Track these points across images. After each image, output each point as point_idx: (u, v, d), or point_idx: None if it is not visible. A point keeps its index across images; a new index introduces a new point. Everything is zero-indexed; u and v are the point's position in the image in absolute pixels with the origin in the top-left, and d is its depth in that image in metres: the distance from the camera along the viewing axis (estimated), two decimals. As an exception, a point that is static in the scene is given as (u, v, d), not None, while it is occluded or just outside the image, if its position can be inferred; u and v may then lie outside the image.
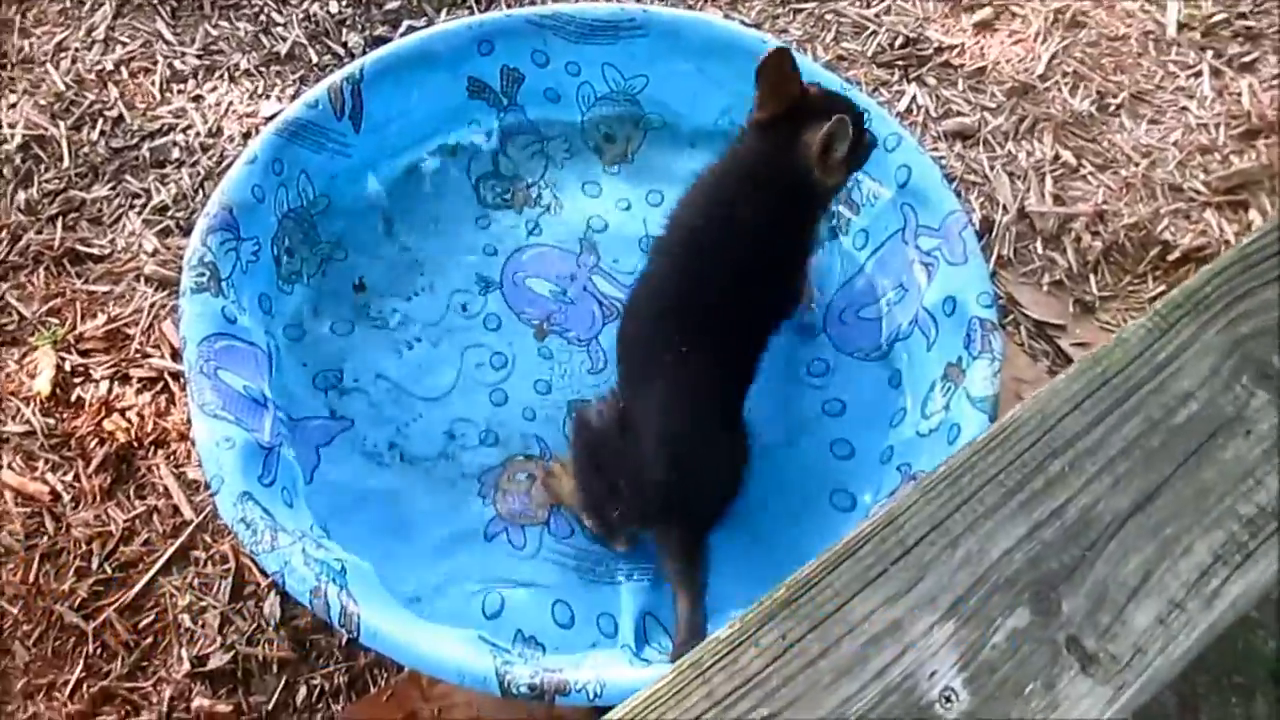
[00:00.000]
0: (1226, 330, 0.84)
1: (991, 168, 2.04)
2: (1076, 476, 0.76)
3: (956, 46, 2.18)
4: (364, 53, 2.01)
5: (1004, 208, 1.99)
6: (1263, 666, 1.60)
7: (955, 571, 0.72)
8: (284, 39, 2.13)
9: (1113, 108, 2.15)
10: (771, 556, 1.64)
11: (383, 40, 2.09)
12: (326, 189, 1.88)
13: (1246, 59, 2.25)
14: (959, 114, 2.10)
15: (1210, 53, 2.25)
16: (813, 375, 1.82)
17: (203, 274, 1.64)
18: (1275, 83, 2.22)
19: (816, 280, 1.89)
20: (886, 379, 1.81)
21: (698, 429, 1.49)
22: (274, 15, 2.16)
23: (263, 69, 2.10)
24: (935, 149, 2.06)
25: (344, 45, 2.13)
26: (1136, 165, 2.07)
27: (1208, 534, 0.76)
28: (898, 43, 2.18)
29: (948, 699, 0.68)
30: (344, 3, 2.18)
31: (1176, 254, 1.96)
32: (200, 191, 1.97)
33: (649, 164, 2.01)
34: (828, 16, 2.20)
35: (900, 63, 2.15)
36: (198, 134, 2.02)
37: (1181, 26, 2.29)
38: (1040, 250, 1.97)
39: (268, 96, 2.07)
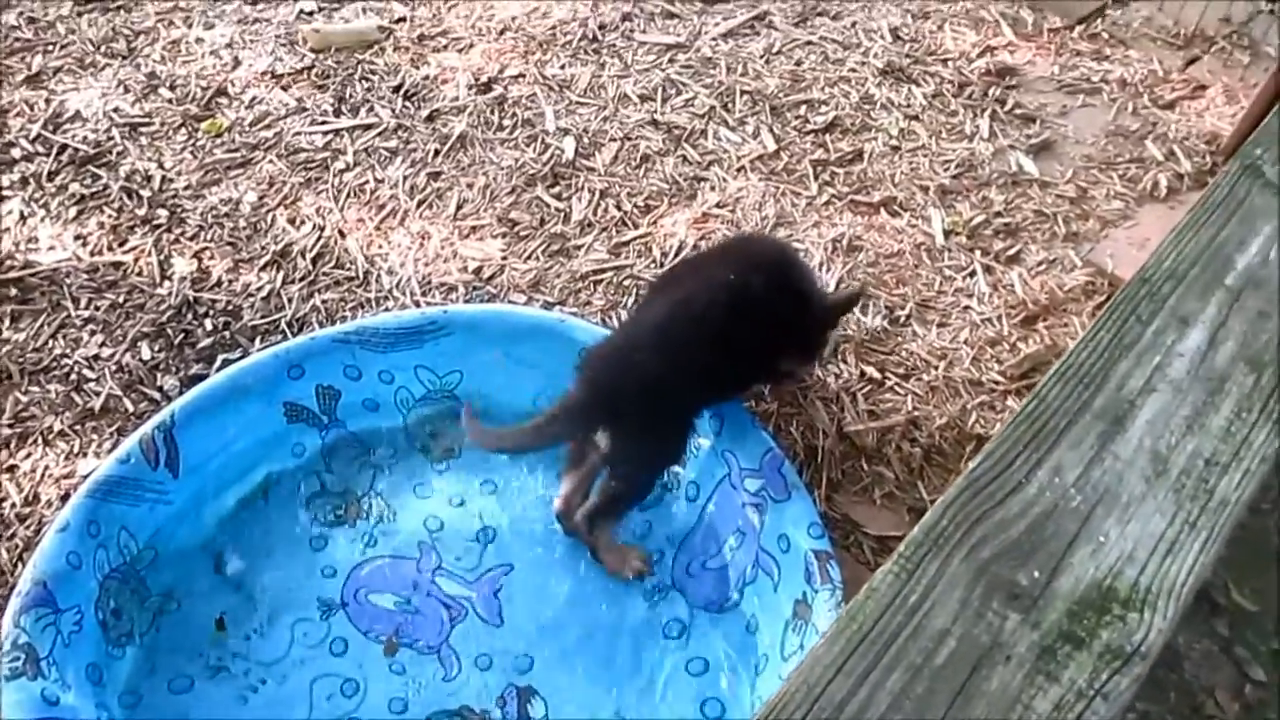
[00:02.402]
0: (969, 559, 0.87)
1: (805, 396, 2.13)
2: (850, 744, 0.76)
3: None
4: (180, 394, 2.02)
5: (824, 432, 2.06)
6: None
7: None
8: (97, 394, 2.12)
9: (903, 319, 2.29)
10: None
11: (199, 378, 2.10)
12: (151, 541, 1.84)
13: (1011, 252, 2.45)
14: (764, 350, 2.20)
15: (978, 253, 2.43)
16: (669, 637, 1.81)
17: (17, 658, 1.57)
18: (1040, 269, 2.41)
19: (662, 538, 1.91)
20: (743, 627, 1.80)
21: (652, 376, 1.74)
22: (85, 372, 2.16)
23: (77, 427, 2.08)
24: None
25: (160, 389, 2.14)
26: (936, 368, 2.19)
27: (986, 777, 0.76)
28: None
29: None
30: (156, 348, 2.20)
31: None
32: (20, 563, 1.89)
33: (478, 455, 2.03)
34: (626, 283, 2.32)
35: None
36: (13, 505, 1.96)
37: (948, 234, 2.48)
38: (866, 466, 2.03)
39: (84, 454, 2.04)
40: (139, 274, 2.33)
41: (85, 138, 2.63)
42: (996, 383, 2.17)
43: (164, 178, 2.54)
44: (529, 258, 2.38)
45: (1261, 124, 1.43)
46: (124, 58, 2.87)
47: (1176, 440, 1.00)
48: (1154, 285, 1.15)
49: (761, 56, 2.94)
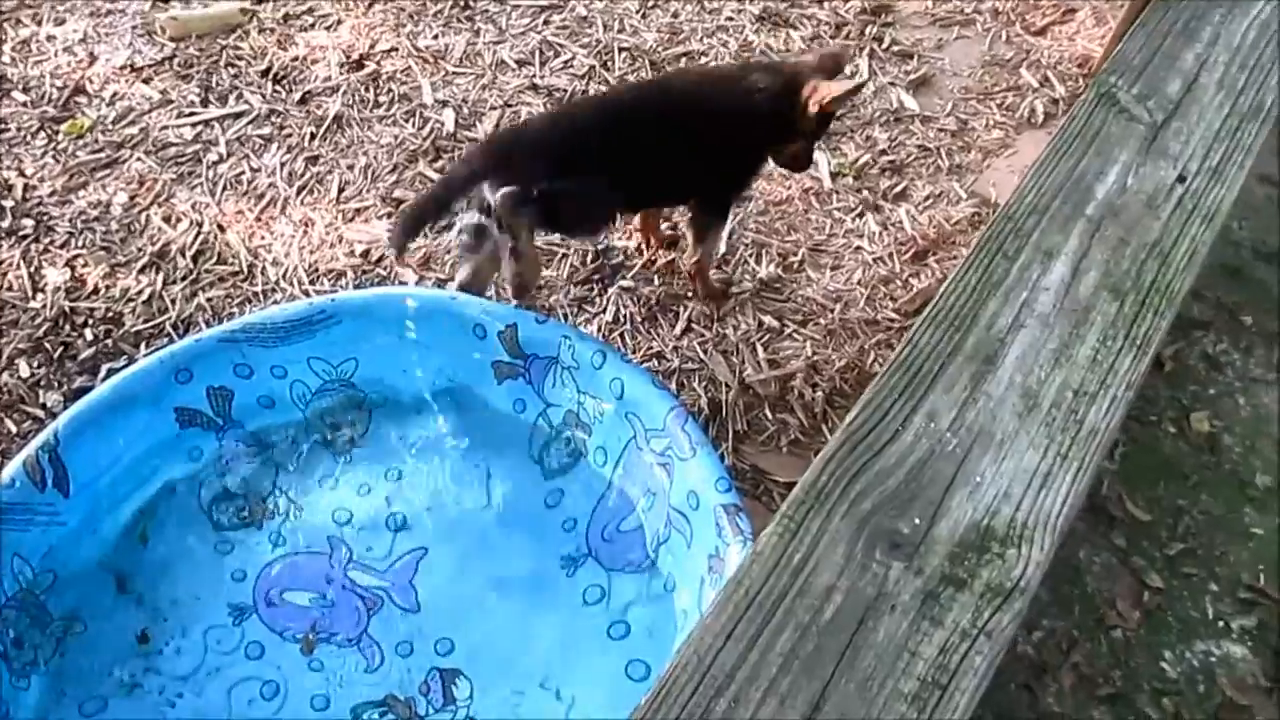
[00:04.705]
0: (850, 513, 0.88)
1: (705, 350, 2.14)
2: (744, 708, 0.77)
3: (639, 247, 2.31)
4: (65, 409, 1.95)
5: (726, 385, 2.08)
6: None
7: None
8: (-23, 419, 2.04)
9: (796, 265, 2.30)
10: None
11: (84, 390, 2.03)
12: (48, 564, 1.78)
13: (897, 190, 2.48)
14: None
15: (866, 193, 2.46)
16: (589, 604, 1.81)
17: (-85, 702, 1.51)
18: (927, 204, 2.45)
19: (576, 506, 1.91)
20: (662, 586, 1.82)
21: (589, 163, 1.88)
22: (-39, 400, 2.08)
23: (-41, 456, 2.00)
24: (650, 346, 2.15)
25: (43, 406, 2.07)
26: (832, 312, 2.21)
27: (878, 725, 0.78)
28: (589, 259, 2.29)
29: None
30: (35, 364, 2.12)
31: (890, 383, 2.07)
32: (-88, 603, 1.82)
33: (381, 442, 2.00)
34: (519, 254, 2.29)
35: (596, 277, 2.26)
36: (-101, 542, 1.88)
37: (835, 176, 2.50)
38: (770, 415, 2.05)
39: (-31, 483, 1.97)
40: (9, 289, 2.23)
41: (-63, 149, 2.51)
42: (892, 320, 2.20)
43: (26, 185, 2.43)
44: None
45: (1114, 51, 1.45)
46: (-29, 61, 2.73)
47: (1046, 374, 1.02)
48: (1018, 221, 1.17)
49: (638, 11, 2.91)
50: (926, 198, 2.46)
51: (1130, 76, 1.40)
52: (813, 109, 1.90)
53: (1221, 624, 1.87)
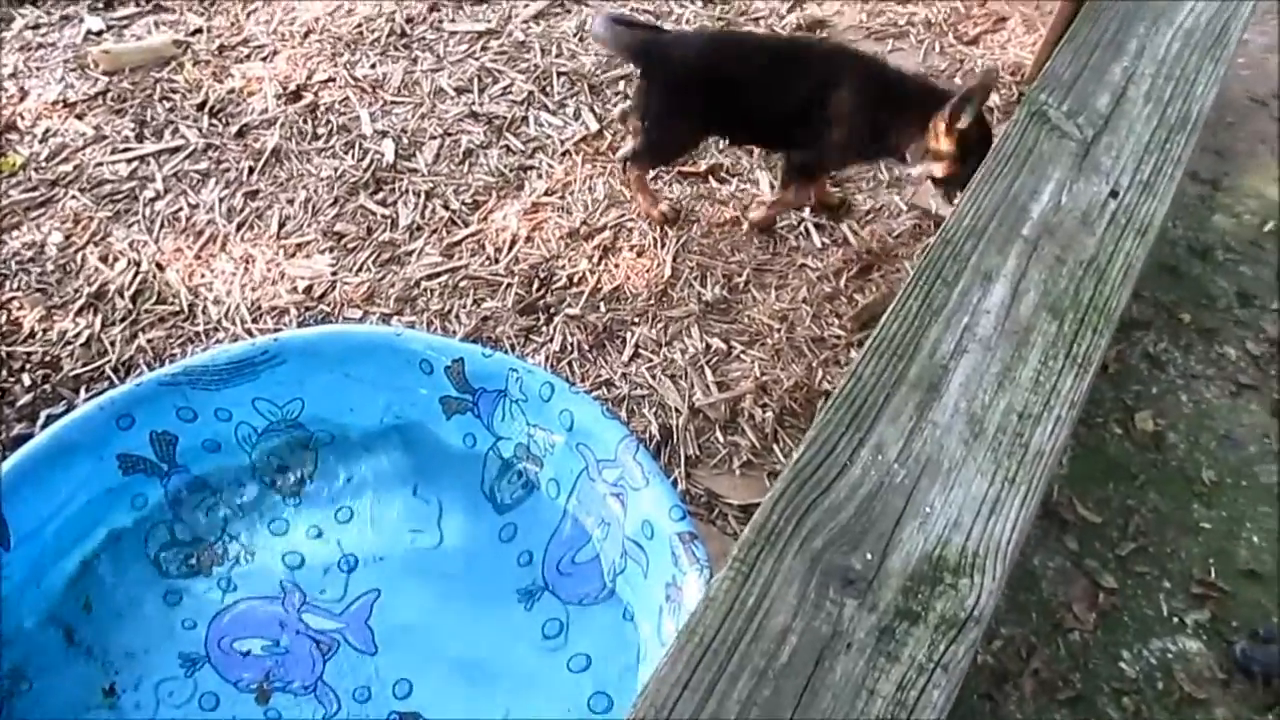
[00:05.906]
0: (802, 551, 0.88)
1: (653, 376, 2.13)
2: (703, 759, 0.76)
3: (584, 274, 2.30)
4: (3, 459, 1.90)
5: (676, 410, 2.07)
6: None
7: None
8: (-88, 475, 1.98)
9: (741, 286, 2.31)
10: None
11: (24, 438, 1.98)
12: (-9, 621, 1.73)
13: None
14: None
15: (808, 210, 2.47)
16: (549, 638, 1.80)
17: None
18: (869, 218, 2.46)
19: (529, 540, 1.89)
20: (620, 615, 1.81)
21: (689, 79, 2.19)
22: (-105, 452, 2.02)
23: (-105, 513, 1.94)
24: (599, 373, 2.14)
25: (-19, 460, 2.01)
26: (778, 331, 2.22)
27: (837, 771, 0.77)
28: (534, 287, 2.27)
29: None
30: (-30, 416, 2.07)
31: (840, 399, 2.08)
32: None
33: (330, 482, 1.97)
34: (462, 284, 2.28)
35: (541, 303, 2.24)
36: None
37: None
38: (722, 438, 2.05)
39: (-94, 542, 1.91)
40: (-60, 337, 2.18)
41: None
42: (838, 337, 2.21)
43: (-45, 229, 2.38)
44: (360, 270, 2.31)
45: (1044, 61, 1.47)
46: (-106, 103, 2.66)
47: (990, 399, 1.03)
48: (956, 245, 1.18)
49: (575, 35, 2.91)
50: (868, 212, 2.48)
51: (1060, 93, 1.42)
52: (941, 138, 2.04)
53: (1176, 620, 1.89)
